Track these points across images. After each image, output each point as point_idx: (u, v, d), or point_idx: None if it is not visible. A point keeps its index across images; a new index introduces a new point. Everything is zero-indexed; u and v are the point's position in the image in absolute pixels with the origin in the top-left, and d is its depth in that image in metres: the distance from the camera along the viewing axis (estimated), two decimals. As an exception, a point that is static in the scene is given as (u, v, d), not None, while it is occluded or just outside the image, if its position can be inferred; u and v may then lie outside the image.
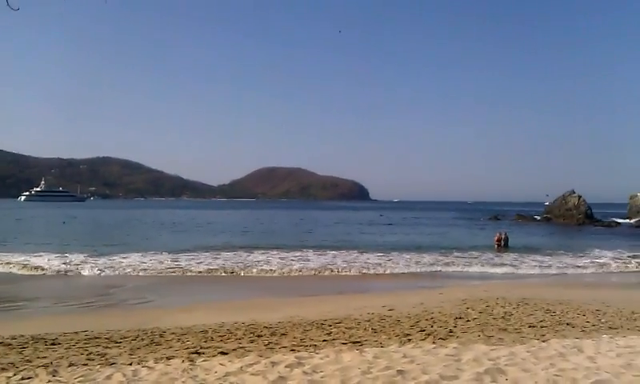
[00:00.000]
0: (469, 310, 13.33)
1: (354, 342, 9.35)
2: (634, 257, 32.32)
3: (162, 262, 26.54)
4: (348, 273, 25.07)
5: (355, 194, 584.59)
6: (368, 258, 29.82)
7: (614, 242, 44.18)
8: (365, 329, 10.80)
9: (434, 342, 9.27)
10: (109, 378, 7.14)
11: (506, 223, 75.67)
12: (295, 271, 25.01)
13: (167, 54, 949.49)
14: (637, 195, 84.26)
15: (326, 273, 24.91)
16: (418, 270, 26.06)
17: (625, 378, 6.91)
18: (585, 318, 12.25)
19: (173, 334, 10.60)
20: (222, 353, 8.60)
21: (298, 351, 8.62)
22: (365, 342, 9.35)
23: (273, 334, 10.33)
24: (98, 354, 8.64)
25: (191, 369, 7.52)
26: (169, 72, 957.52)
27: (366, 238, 48.49)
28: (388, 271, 25.70)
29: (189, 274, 23.91)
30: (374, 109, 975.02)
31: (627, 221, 76.51)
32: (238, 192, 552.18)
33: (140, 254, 29.45)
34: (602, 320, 11.95)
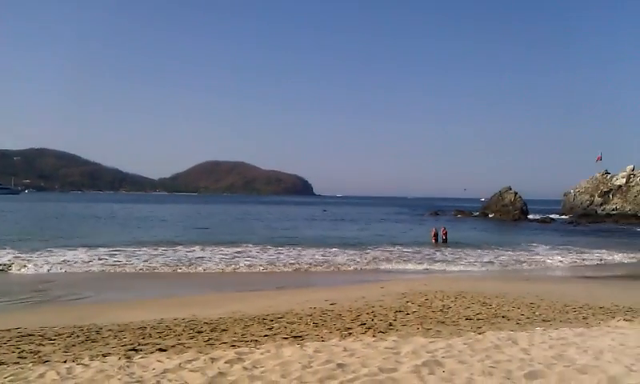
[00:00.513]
0: (409, 304, 13.56)
1: (295, 337, 9.35)
2: (567, 251, 33.78)
3: (100, 258, 25.79)
4: (291, 268, 25.04)
5: (299, 188, 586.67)
6: (312, 254, 29.89)
7: (547, 237, 46.00)
8: (306, 323, 10.82)
9: (374, 336, 9.38)
10: (41, 376, 6.87)
11: (445, 219, 77.70)
12: (238, 267, 24.77)
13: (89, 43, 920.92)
14: (570, 192, 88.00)
15: (269, 268, 24.80)
16: (361, 266, 26.29)
17: (556, 368, 7.16)
18: (520, 310, 12.67)
19: (110, 330, 10.32)
20: (161, 349, 8.43)
21: (239, 347, 8.55)
22: (306, 337, 9.37)
23: (213, 330, 10.21)
24: (31, 352, 8.34)
25: (128, 366, 7.33)
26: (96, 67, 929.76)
27: (310, 233, 48.62)
28: (331, 267, 25.79)
29: (127, 269, 23.33)
30: (324, 105, 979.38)
31: (563, 217, 80.00)
32: (180, 186, 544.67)
33: (76, 249, 28.54)
34: (536, 313, 12.37)
